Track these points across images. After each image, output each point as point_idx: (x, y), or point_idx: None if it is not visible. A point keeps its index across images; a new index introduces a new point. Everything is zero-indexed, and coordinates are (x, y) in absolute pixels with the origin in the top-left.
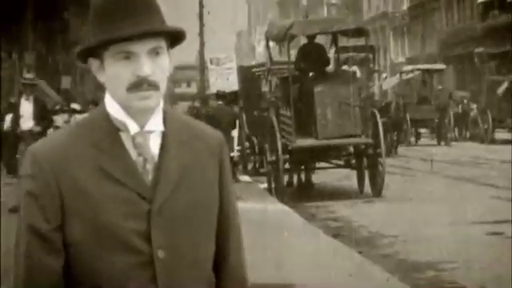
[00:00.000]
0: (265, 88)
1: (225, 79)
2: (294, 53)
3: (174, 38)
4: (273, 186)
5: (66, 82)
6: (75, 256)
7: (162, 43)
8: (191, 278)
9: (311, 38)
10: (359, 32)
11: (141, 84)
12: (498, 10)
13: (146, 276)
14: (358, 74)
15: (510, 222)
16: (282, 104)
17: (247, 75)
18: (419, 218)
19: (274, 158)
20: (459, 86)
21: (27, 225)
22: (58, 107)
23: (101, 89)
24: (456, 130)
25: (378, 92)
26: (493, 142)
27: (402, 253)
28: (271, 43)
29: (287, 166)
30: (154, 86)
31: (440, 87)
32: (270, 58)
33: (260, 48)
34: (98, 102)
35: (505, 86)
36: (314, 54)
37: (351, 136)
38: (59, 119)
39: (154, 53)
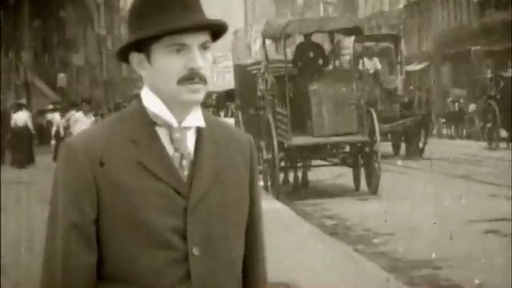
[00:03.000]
0: (261, 86)
1: (221, 78)
2: (290, 51)
3: (217, 32)
4: (269, 183)
5: (61, 80)
6: (108, 251)
7: (209, 37)
8: (224, 277)
9: (308, 36)
10: (355, 31)
11: (192, 77)
12: (494, 8)
13: (180, 273)
14: (379, 67)
15: (510, 220)
16: (278, 102)
17: (243, 74)
18: (415, 216)
19: (269, 155)
20: (456, 84)
21: (63, 217)
22: (51, 106)
23: (96, 87)
24: (453, 127)
25: (402, 86)
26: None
27: (398, 250)
28: (267, 42)
29: (283, 163)
30: (203, 80)
31: (411, 87)
32: (267, 57)
33: (256, 47)
34: (91, 100)
35: (501, 84)
36: (310, 53)
37: (347, 134)
38: (56, 116)
39: (203, 47)
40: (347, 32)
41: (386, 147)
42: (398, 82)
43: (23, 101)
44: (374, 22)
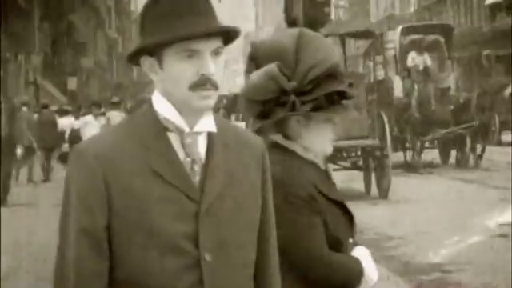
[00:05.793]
0: None
1: (232, 81)
2: None
3: (228, 38)
4: None
5: (71, 83)
6: (120, 256)
7: (221, 43)
8: (236, 281)
9: None
10: (366, 34)
11: (204, 83)
12: (505, 12)
13: (193, 278)
14: (429, 63)
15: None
16: None
17: None
18: (425, 220)
19: None
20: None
21: (74, 224)
22: (54, 108)
23: (107, 90)
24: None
25: (455, 85)
26: (499, 143)
27: (408, 254)
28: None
29: None
30: (214, 86)
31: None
32: None
33: None
34: (101, 103)
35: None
36: None
37: (358, 138)
38: (69, 119)
39: (215, 52)
40: (358, 36)
41: (431, 155)
42: (451, 80)
43: (68, 107)
44: (386, 26)
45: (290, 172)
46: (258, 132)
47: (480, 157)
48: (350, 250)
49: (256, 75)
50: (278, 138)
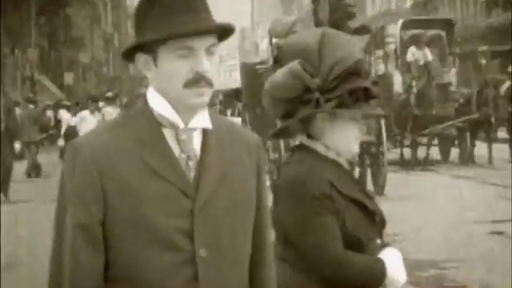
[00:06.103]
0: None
1: (227, 76)
2: None
3: (223, 35)
4: None
5: (68, 78)
6: (115, 252)
7: (216, 40)
8: (232, 277)
9: None
10: (362, 30)
11: (199, 80)
12: (501, 8)
13: (188, 274)
14: (430, 58)
15: (511, 221)
16: None
17: (250, 72)
18: (421, 217)
19: (276, 155)
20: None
21: (70, 219)
22: (49, 103)
23: (104, 85)
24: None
25: (456, 80)
26: (496, 140)
27: (404, 251)
28: (274, 40)
29: None
30: (209, 84)
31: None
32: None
33: (263, 45)
34: (97, 97)
35: (507, 84)
36: None
37: None
38: (65, 114)
39: (210, 50)
40: (354, 31)
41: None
42: (451, 75)
43: (67, 101)
44: (382, 21)
45: (306, 171)
46: (283, 132)
47: (490, 157)
48: (377, 251)
49: (280, 73)
50: (302, 138)
